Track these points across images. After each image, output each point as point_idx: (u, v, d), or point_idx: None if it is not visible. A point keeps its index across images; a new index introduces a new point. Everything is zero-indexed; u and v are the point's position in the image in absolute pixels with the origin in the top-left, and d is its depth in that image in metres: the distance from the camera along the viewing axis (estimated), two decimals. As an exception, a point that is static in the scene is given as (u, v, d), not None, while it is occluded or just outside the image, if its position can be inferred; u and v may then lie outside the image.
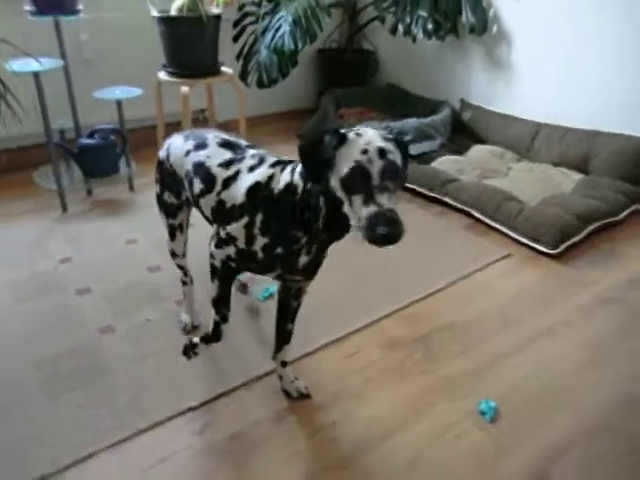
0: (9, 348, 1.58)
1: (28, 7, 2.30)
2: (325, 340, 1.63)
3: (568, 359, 1.59)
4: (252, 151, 1.29)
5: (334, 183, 0.98)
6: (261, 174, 1.17)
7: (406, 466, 1.25)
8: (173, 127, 2.96)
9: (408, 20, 3.10)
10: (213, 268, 1.26)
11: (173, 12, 2.61)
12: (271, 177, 1.14)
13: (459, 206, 2.43)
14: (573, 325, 1.73)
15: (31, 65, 2.06)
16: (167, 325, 1.67)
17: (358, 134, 0.98)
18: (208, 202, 1.26)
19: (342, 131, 1.00)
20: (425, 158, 2.82)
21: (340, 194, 0.98)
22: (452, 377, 1.51)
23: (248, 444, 1.29)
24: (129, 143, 2.54)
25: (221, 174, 1.24)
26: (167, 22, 2.62)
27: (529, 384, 1.49)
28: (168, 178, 1.44)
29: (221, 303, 1.31)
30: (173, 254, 1.57)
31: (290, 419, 1.37)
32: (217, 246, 1.22)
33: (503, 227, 2.25)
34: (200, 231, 1.54)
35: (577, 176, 2.63)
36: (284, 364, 1.45)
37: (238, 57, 3.28)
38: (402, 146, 1.02)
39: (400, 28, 3.15)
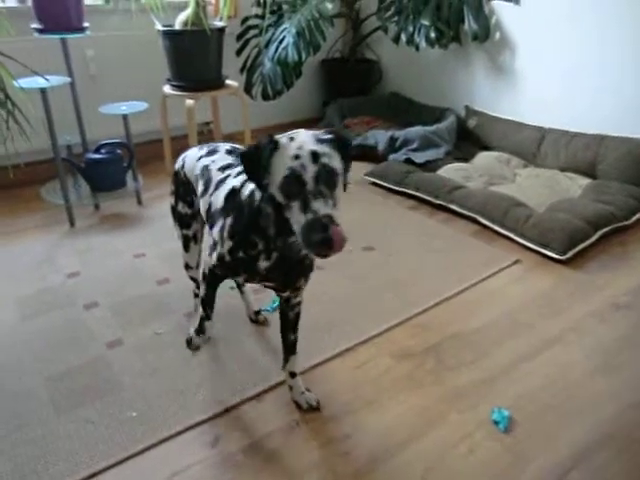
0: (18, 363, 1.58)
1: (35, 25, 2.33)
2: (335, 350, 1.62)
3: (581, 366, 1.57)
4: None
5: (273, 190, 0.98)
6: (239, 180, 1.19)
7: (420, 478, 1.23)
8: (179, 140, 2.99)
9: (411, 29, 3.12)
10: (203, 273, 1.31)
11: (177, 26, 2.65)
12: (243, 184, 1.16)
13: (466, 213, 2.42)
14: (585, 331, 1.71)
15: (38, 82, 2.09)
16: (176, 338, 1.67)
17: (291, 138, 0.98)
18: (204, 204, 1.29)
19: (275, 137, 0.99)
20: (431, 166, 2.82)
21: (280, 200, 0.97)
22: (464, 386, 1.49)
23: (261, 456, 1.28)
24: (136, 157, 2.56)
25: (216, 177, 1.28)
26: (171, 36, 2.65)
27: (542, 392, 1.47)
28: (182, 188, 1.46)
29: (206, 304, 1.36)
30: (187, 266, 1.59)
31: (302, 431, 1.35)
32: (209, 254, 1.24)
33: (511, 233, 2.24)
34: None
35: (584, 181, 2.62)
36: (293, 375, 1.44)
37: (242, 70, 3.31)
38: (342, 145, 1.00)
39: (403, 37, 3.17)
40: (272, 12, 3.25)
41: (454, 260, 2.12)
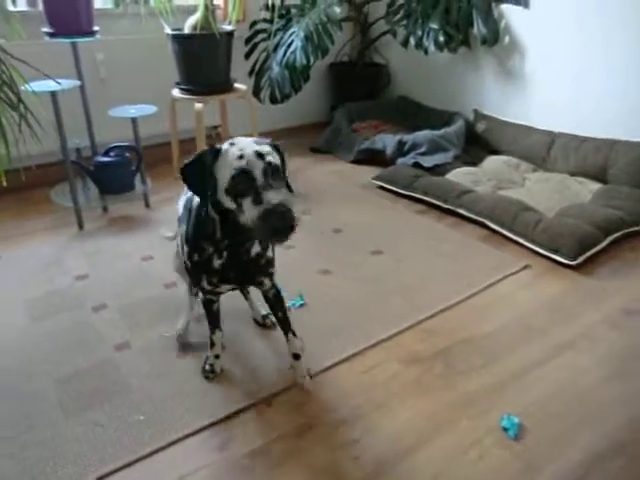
0: (27, 365, 1.58)
1: (46, 29, 2.34)
2: (344, 355, 1.61)
3: (592, 373, 1.55)
4: None
5: (220, 195, 1.05)
6: None
7: (429, 484, 1.22)
8: (187, 144, 3.00)
9: (419, 33, 3.11)
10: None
11: (186, 30, 2.66)
12: (192, 203, 1.26)
13: (475, 217, 2.41)
14: (596, 338, 1.69)
15: (48, 85, 2.10)
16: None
17: (232, 144, 1.06)
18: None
19: (216, 146, 1.07)
20: (439, 170, 2.81)
21: (228, 204, 1.05)
22: (473, 392, 1.48)
23: (269, 460, 1.27)
24: (144, 160, 2.57)
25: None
26: (181, 40, 2.66)
27: (552, 399, 1.45)
28: None
29: (210, 322, 1.47)
30: None
31: (311, 435, 1.35)
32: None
33: (520, 238, 2.22)
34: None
35: (595, 186, 2.60)
36: (296, 356, 1.49)
37: (250, 73, 3.31)
38: (277, 149, 1.12)
39: (412, 41, 3.16)
40: (281, 16, 3.26)
41: (463, 265, 2.11)
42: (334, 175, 3.07)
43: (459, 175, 2.72)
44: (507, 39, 3.08)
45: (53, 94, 2.15)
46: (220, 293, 1.40)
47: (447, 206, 2.52)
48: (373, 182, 2.87)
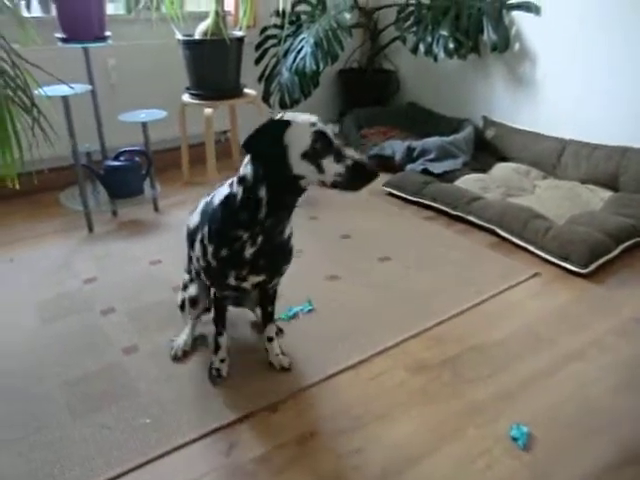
0: (37, 367, 1.59)
1: (59, 35, 2.37)
2: (350, 361, 1.61)
3: (603, 382, 1.53)
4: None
5: (294, 161, 1.11)
6: (208, 197, 1.37)
7: (436, 494, 1.21)
8: (197, 148, 3.02)
9: (429, 40, 3.11)
10: (210, 300, 1.49)
11: (197, 36, 2.67)
12: (212, 196, 1.32)
13: (484, 224, 2.39)
14: (607, 347, 1.67)
15: (60, 90, 2.12)
16: (189, 350, 1.66)
17: (293, 117, 1.14)
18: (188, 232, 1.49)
19: (278, 117, 1.15)
20: (448, 177, 2.80)
21: (302, 168, 1.12)
22: (481, 401, 1.47)
23: (273, 467, 1.27)
24: (154, 164, 2.58)
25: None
26: (191, 45, 2.68)
27: (562, 408, 1.44)
28: None
29: (217, 322, 1.49)
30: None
31: (315, 443, 1.34)
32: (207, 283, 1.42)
33: (530, 245, 2.20)
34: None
35: (606, 193, 2.58)
36: (270, 339, 1.57)
37: (260, 79, 3.33)
38: None
39: (421, 48, 3.16)
40: (291, 22, 3.28)
41: (471, 272, 2.10)
42: (343, 181, 3.06)
43: (468, 182, 2.71)
44: (517, 46, 3.07)
45: (65, 98, 2.18)
46: (243, 290, 1.39)
47: (456, 213, 2.51)
48: (382, 188, 2.87)
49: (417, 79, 3.76)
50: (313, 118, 1.14)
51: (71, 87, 2.01)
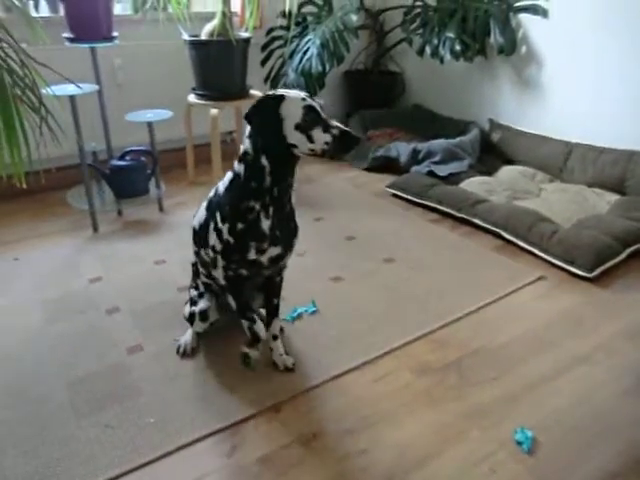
0: (42, 366, 1.59)
1: (67, 35, 2.38)
2: (354, 363, 1.60)
3: (609, 386, 1.52)
4: None
5: (288, 131, 1.22)
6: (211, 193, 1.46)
7: (440, 497, 1.20)
8: (202, 149, 3.02)
9: (435, 42, 3.11)
10: (222, 287, 1.49)
11: (204, 36, 2.68)
12: (217, 188, 1.41)
13: (489, 227, 2.38)
14: (613, 351, 1.66)
15: (67, 89, 2.13)
16: (195, 347, 1.67)
17: (286, 92, 1.25)
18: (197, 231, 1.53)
19: (273, 93, 1.26)
20: (453, 179, 2.80)
21: (295, 138, 1.22)
22: (486, 404, 1.46)
23: (276, 468, 1.26)
24: (159, 164, 2.59)
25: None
26: (198, 46, 2.68)
27: (568, 413, 1.43)
28: None
29: (243, 310, 1.47)
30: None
31: (319, 444, 1.33)
32: (214, 269, 1.44)
33: (535, 249, 2.19)
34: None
35: (612, 197, 2.57)
36: (275, 337, 1.58)
37: (266, 80, 3.33)
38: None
39: (427, 50, 3.16)
40: (297, 23, 3.28)
41: (476, 275, 2.09)
42: (348, 182, 3.07)
43: (473, 184, 2.71)
44: (524, 49, 3.06)
45: (72, 98, 2.18)
46: (259, 267, 1.39)
47: (461, 215, 2.50)
48: (387, 190, 2.86)
49: (423, 81, 3.76)
50: (303, 94, 1.26)
51: (79, 87, 2.01)
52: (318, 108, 1.24)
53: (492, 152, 3.16)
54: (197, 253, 1.54)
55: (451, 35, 3.05)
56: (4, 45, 1.36)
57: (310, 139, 1.22)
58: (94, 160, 2.54)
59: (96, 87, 2.43)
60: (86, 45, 2.46)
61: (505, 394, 1.49)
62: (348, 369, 1.58)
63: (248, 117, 1.26)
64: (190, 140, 2.98)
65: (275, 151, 1.26)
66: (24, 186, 1.43)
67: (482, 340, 1.72)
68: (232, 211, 1.33)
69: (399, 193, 2.79)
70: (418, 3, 3.36)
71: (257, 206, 1.31)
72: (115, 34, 2.47)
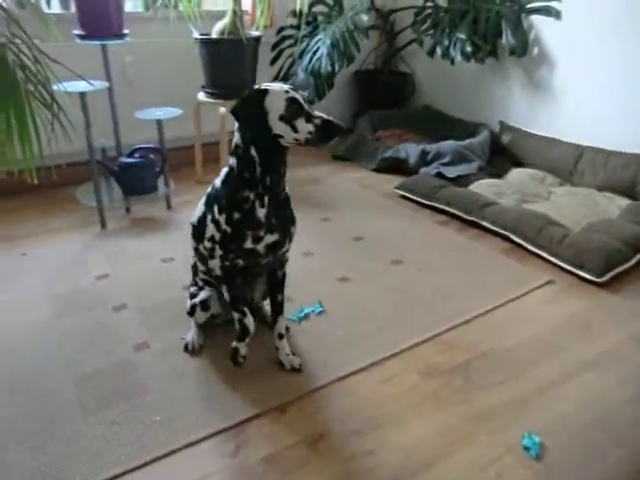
0: (48, 362, 1.60)
1: (78, 31, 2.39)
2: (361, 364, 1.60)
3: (618, 392, 1.51)
4: None
5: (273, 123, 1.27)
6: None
7: (446, 501, 1.19)
8: (211, 147, 3.02)
9: (446, 43, 3.10)
10: (217, 278, 1.50)
11: (214, 35, 2.68)
12: (213, 185, 1.47)
13: (497, 230, 2.37)
14: (622, 356, 1.65)
15: (78, 86, 2.13)
16: (203, 344, 1.67)
17: (269, 86, 1.30)
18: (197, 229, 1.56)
19: (257, 87, 1.30)
20: (462, 181, 2.78)
21: (280, 129, 1.27)
22: (493, 408, 1.45)
23: (281, 469, 1.26)
24: (168, 162, 2.59)
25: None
26: (208, 44, 2.68)
27: (576, 418, 1.42)
28: None
29: (236, 302, 1.49)
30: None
31: (325, 444, 1.33)
32: (210, 258, 1.47)
33: (544, 252, 2.18)
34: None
35: (623, 201, 2.55)
36: (281, 336, 1.59)
37: (276, 79, 3.33)
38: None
39: (438, 51, 3.15)
40: (307, 23, 3.28)
41: (484, 277, 2.08)
42: (356, 183, 3.06)
43: (483, 187, 2.69)
44: (536, 50, 3.04)
45: (82, 95, 2.19)
46: (256, 257, 1.41)
47: (470, 217, 2.49)
48: (395, 191, 2.85)
49: (433, 82, 3.74)
50: (286, 86, 1.30)
51: (91, 84, 2.02)
52: (301, 100, 1.28)
53: (502, 154, 3.14)
54: (196, 249, 1.58)
55: (462, 36, 3.03)
56: (17, 41, 1.36)
57: (294, 129, 1.27)
58: (103, 157, 2.55)
59: (106, 84, 2.44)
60: (97, 42, 2.46)
61: (512, 398, 1.48)
62: (355, 370, 1.58)
63: (234, 112, 1.30)
64: (199, 138, 2.99)
65: (262, 142, 1.31)
66: (35, 181, 1.43)
67: (490, 343, 1.71)
68: (228, 201, 1.37)
69: (407, 194, 2.78)
70: (429, 4, 3.34)
71: (252, 195, 1.35)
72: (126, 31, 2.48)
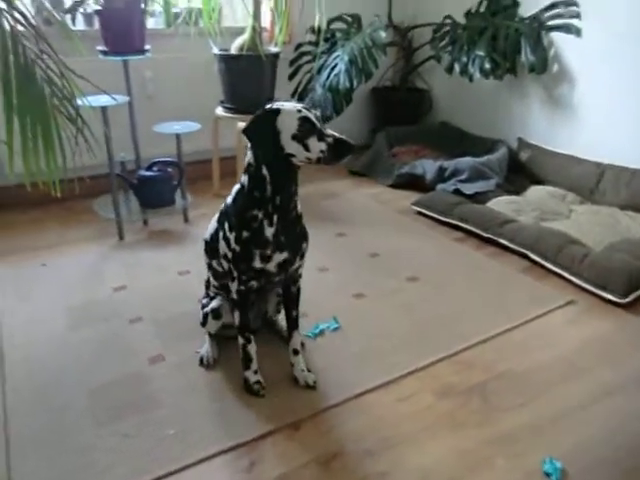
0: (62, 374, 1.60)
1: (100, 47, 2.43)
2: (376, 382, 1.57)
3: (642, 419, 1.46)
4: None
5: (285, 142, 1.27)
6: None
7: (463, 527, 1.16)
8: (228, 161, 3.04)
9: (465, 59, 3.10)
10: (233, 301, 1.49)
11: (233, 51, 2.72)
12: (226, 202, 1.48)
13: (516, 248, 2.34)
14: (646, 381, 1.60)
15: (99, 100, 2.17)
16: (217, 358, 1.66)
17: (282, 105, 1.30)
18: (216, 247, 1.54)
19: (270, 107, 1.30)
20: (480, 198, 2.76)
21: (292, 148, 1.27)
22: (511, 431, 1.41)
23: (295, 489, 1.24)
24: (185, 176, 2.61)
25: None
26: (227, 60, 2.72)
27: (599, 444, 1.37)
28: None
29: (243, 328, 1.50)
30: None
31: (338, 464, 1.30)
32: (231, 282, 1.46)
33: (565, 272, 2.13)
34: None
35: (646, 220, 2.50)
36: (296, 352, 1.58)
37: (293, 95, 3.35)
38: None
39: (456, 67, 3.15)
40: (326, 39, 3.31)
41: (502, 296, 2.04)
42: (372, 198, 3.05)
43: (500, 204, 2.66)
44: (556, 67, 3.02)
45: (103, 109, 2.22)
46: (268, 276, 1.41)
47: (487, 235, 2.46)
48: (412, 207, 2.84)
49: (450, 98, 3.74)
50: (298, 105, 1.30)
51: (114, 98, 2.05)
52: (313, 118, 1.28)
53: (520, 172, 3.11)
54: (209, 265, 1.60)
55: (481, 53, 3.03)
56: (45, 57, 1.39)
57: (306, 148, 1.27)
58: (122, 170, 2.58)
59: (127, 98, 2.48)
60: (119, 58, 2.51)
61: (532, 421, 1.44)
62: (370, 388, 1.55)
63: (247, 132, 1.31)
64: (216, 152, 3.01)
65: (274, 161, 1.31)
66: (59, 195, 1.45)
67: (508, 364, 1.67)
68: (237, 220, 1.38)
69: (424, 211, 2.77)
70: (447, 21, 3.35)
71: (260, 215, 1.35)
72: (147, 47, 2.52)
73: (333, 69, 3.11)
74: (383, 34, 3.07)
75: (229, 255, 1.41)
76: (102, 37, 2.42)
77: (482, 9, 3.22)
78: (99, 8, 2.38)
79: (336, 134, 1.27)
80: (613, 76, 2.77)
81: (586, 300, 2.02)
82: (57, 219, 2.71)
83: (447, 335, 1.80)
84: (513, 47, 3.00)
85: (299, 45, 3.38)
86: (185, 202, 2.64)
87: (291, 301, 1.56)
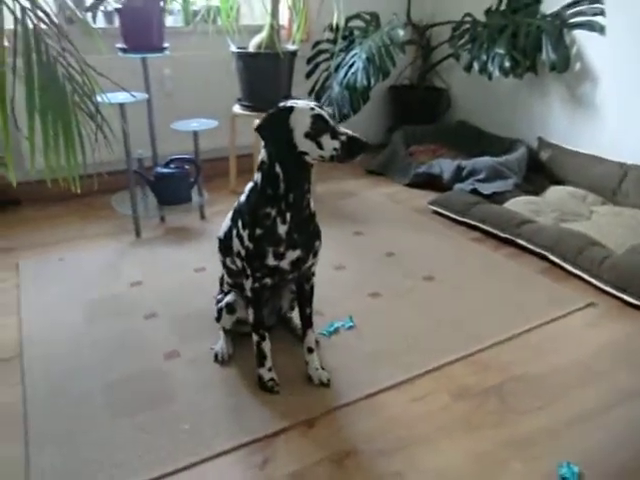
0: (79, 368, 1.62)
1: (120, 45, 2.46)
2: (391, 382, 1.56)
3: (663, 424, 1.43)
4: None
5: (298, 140, 1.27)
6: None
7: (478, 530, 1.14)
8: (244, 159, 3.05)
9: (484, 58, 3.06)
10: (247, 298, 1.49)
11: (251, 49, 2.72)
12: (239, 201, 1.47)
13: (534, 249, 2.30)
14: (668, 386, 1.57)
15: (118, 97, 2.19)
16: (232, 354, 1.66)
17: (296, 103, 1.30)
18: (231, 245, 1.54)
19: (283, 104, 1.30)
20: (498, 198, 2.72)
21: (305, 146, 1.27)
22: (528, 434, 1.39)
23: (308, 487, 1.24)
24: (202, 173, 2.62)
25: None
26: (245, 58, 2.72)
27: (618, 450, 1.34)
28: None
29: (257, 325, 1.50)
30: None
31: (352, 463, 1.30)
32: (245, 279, 1.46)
33: (585, 274, 2.10)
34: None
35: (669, 223, 2.44)
36: (310, 350, 1.57)
37: (311, 93, 3.35)
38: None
39: (475, 66, 3.11)
40: (344, 37, 3.29)
41: (520, 297, 2.02)
42: (389, 198, 3.03)
43: (519, 204, 2.63)
44: (578, 65, 2.97)
45: (122, 106, 2.24)
46: (281, 274, 1.41)
47: (505, 235, 2.43)
48: (428, 207, 2.82)
49: (469, 97, 3.70)
50: (312, 103, 1.30)
51: (133, 96, 2.07)
52: (326, 116, 1.28)
53: (540, 171, 3.07)
54: (223, 263, 1.60)
55: (501, 51, 2.99)
56: (66, 55, 1.41)
57: (319, 146, 1.27)
58: (140, 167, 2.60)
59: (145, 96, 2.49)
60: (138, 55, 2.53)
61: (549, 425, 1.42)
62: (384, 387, 1.54)
63: (259, 130, 1.30)
64: (233, 150, 3.02)
65: (287, 159, 1.31)
66: (78, 191, 1.47)
67: (525, 366, 1.65)
68: (251, 218, 1.38)
69: (441, 210, 2.74)
70: (467, 19, 3.32)
71: (273, 212, 1.35)
72: (166, 45, 2.54)
73: (351, 67, 3.10)
74: (401, 32, 3.05)
75: (242, 253, 1.42)
76: (122, 35, 2.44)
77: (502, 6, 3.18)
78: (119, 6, 2.40)
79: (349, 132, 1.27)
80: (637, 75, 2.71)
81: (606, 302, 1.98)
82: (76, 215, 2.74)
83: (463, 336, 1.78)
84: (534, 45, 2.95)
85: (317, 43, 3.37)
86: (202, 199, 2.66)
87: (305, 299, 1.56)
